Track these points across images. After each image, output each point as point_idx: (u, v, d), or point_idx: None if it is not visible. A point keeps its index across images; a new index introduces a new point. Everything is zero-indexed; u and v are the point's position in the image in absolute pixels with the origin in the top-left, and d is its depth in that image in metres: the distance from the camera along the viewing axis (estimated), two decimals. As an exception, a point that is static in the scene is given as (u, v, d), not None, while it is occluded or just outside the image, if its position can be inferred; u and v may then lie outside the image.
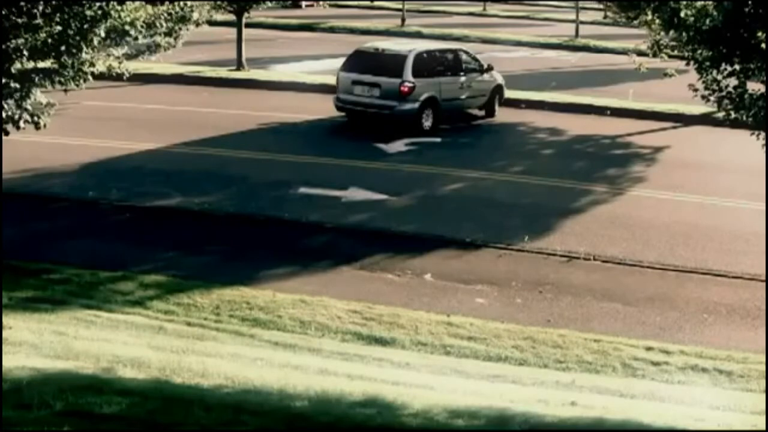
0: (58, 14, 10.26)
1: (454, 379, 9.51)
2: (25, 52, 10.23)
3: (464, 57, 22.45)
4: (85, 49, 10.70)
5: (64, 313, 10.70)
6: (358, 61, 21.07)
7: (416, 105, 20.41)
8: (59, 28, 10.32)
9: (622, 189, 17.38)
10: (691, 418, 8.43)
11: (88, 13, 10.50)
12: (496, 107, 23.04)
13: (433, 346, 10.84)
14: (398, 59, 20.61)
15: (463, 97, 21.91)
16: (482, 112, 22.86)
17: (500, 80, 23.27)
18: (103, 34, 10.73)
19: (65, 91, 11.45)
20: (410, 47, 21.58)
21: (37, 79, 10.75)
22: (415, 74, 20.44)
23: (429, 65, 21.07)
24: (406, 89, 20.32)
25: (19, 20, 9.96)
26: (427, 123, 20.78)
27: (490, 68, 22.78)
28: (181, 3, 12.71)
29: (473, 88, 22.17)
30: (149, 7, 11.51)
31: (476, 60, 22.72)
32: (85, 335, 9.73)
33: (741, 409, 9.10)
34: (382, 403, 7.79)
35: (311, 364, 9.44)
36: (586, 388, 9.50)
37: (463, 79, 21.83)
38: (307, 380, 8.46)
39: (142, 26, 11.28)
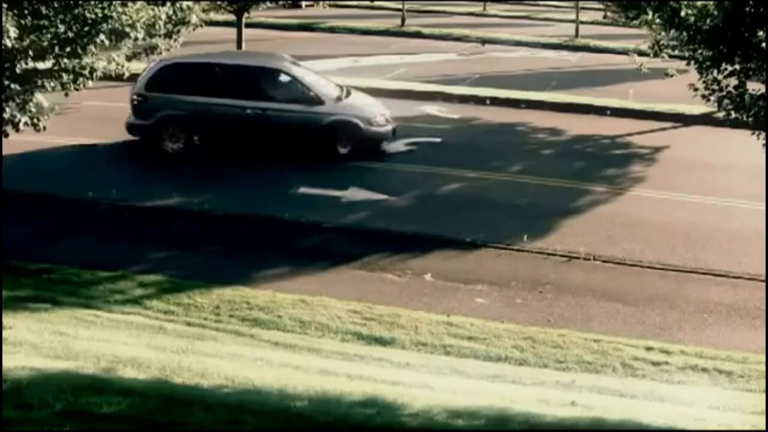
0: (60, 15, 10.27)
1: (454, 379, 9.51)
2: (31, 53, 10.24)
3: (284, 79, 18.39)
4: (88, 50, 10.72)
5: (64, 313, 10.71)
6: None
7: (148, 122, 17.82)
8: (62, 28, 10.33)
9: (622, 189, 17.37)
10: (691, 418, 8.43)
11: (89, 15, 10.52)
12: (341, 150, 18.07)
13: (433, 346, 10.84)
14: (147, 70, 18.06)
15: (247, 125, 17.81)
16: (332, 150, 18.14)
17: (356, 115, 18.16)
18: (104, 37, 10.75)
19: (66, 94, 11.45)
20: (176, 58, 18.27)
21: (38, 81, 10.76)
22: (159, 88, 17.76)
23: (189, 80, 18.01)
24: (133, 102, 17.97)
25: (23, 21, 9.97)
26: (172, 145, 17.88)
27: (319, 100, 18.03)
28: (182, 4, 12.73)
29: (280, 118, 17.78)
30: (150, 9, 11.52)
31: (308, 87, 18.15)
32: (85, 335, 9.73)
33: (741, 409, 9.10)
34: (382, 403, 7.79)
35: (311, 364, 9.44)
36: (586, 388, 9.50)
37: (259, 104, 17.80)
38: (307, 380, 8.46)
39: (142, 27, 11.29)
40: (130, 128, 18.29)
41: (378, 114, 18.58)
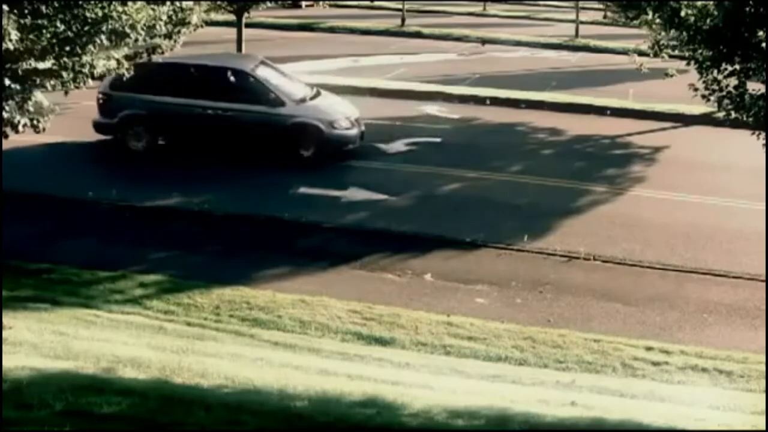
0: (60, 15, 10.27)
1: (454, 379, 9.51)
2: (35, 53, 10.25)
3: (244, 80, 18.15)
4: (88, 50, 10.72)
5: (64, 313, 10.72)
6: None
7: (113, 121, 17.97)
8: (62, 28, 10.34)
9: (622, 189, 17.38)
10: (691, 418, 8.44)
11: (89, 14, 10.52)
12: (303, 153, 17.82)
13: (433, 346, 10.85)
14: None
15: (208, 126, 17.78)
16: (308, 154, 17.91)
17: (317, 118, 17.92)
18: (104, 37, 10.76)
19: (66, 93, 11.46)
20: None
21: (37, 80, 10.76)
22: (123, 87, 17.07)
23: (153, 79, 17.49)
24: (98, 101, 17.99)
25: (23, 21, 9.97)
26: (137, 144, 17.99)
27: (280, 101, 17.86)
28: (182, 4, 12.71)
29: (241, 119, 17.70)
30: (150, 9, 11.51)
31: (268, 89, 18.02)
32: (85, 335, 9.74)
33: (741, 409, 9.11)
34: (382, 403, 7.80)
35: (311, 364, 9.45)
36: (586, 388, 9.50)
37: (219, 104, 17.75)
38: (307, 380, 8.47)
39: (142, 28, 11.29)
40: (96, 126, 18.40)
41: (342, 117, 18.27)
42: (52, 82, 10.88)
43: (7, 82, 9.98)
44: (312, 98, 18.65)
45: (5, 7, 9.48)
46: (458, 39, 36.83)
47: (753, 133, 12.28)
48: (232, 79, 18.20)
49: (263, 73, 18.66)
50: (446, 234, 14.46)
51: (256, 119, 17.75)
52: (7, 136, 10.93)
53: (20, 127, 10.76)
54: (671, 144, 21.20)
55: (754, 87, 11.94)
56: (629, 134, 22.03)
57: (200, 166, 17.49)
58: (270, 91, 18.04)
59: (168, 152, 18.21)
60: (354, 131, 18.37)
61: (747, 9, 10.97)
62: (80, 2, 10.40)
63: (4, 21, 9.39)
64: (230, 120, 17.77)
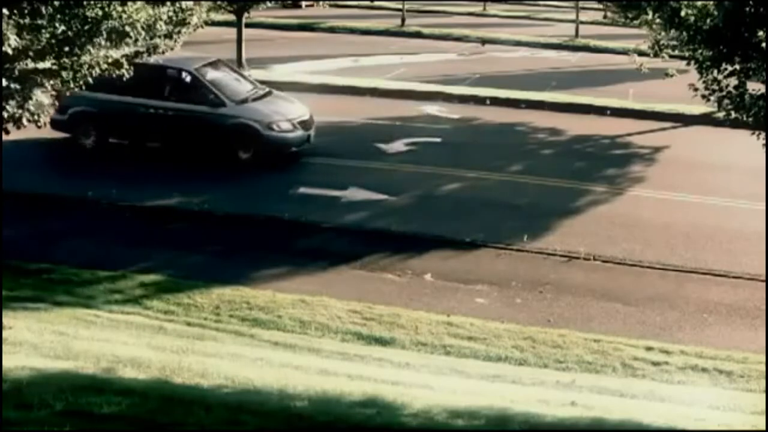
0: (59, 15, 10.27)
1: (454, 379, 9.52)
2: (31, 53, 10.25)
3: (187, 80, 18.11)
4: (87, 49, 10.72)
5: (64, 313, 10.71)
6: None
7: (64, 118, 17.75)
8: (62, 28, 10.34)
9: (622, 189, 17.38)
10: (691, 418, 8.44)
11: (89, 14, 10.52)
12: (242, 155, 17.64)
13: (433, 346, 10.85)
14: None
15: (151, 124, 17.87)
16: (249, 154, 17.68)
17: (254, 119, 17.68)
18: (104, 36, 10.76)
19: (67, 90, 11.47)
20: None
21: (38, 79, 10.76)
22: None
23: (102, 77, 16.48)
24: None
25: (22, 21, 9.97)
26: (87, 141, 18.13)
27: (220, 101, 17.71)
28: (182, 4, 12.71)
29: (182, 118, 17.69)
30: (150, 9, 11.51)
31: (209, 89, 17.87)
32: (85, 335, 9.74)
33: (741, 409, 9.11)
34: (382, 403, 7.80)
35: (311, 364, 9.45)
36: (586, 388, 9.51)
37: (162, 104, 17.81)
38: (307, 380, 8.47)
39: (142, 28, 11.29)
40: (52, 123, 18.09)
41: (282, 119, 17.90)
42: (52, 82, 10.88)
43: (5, 82, 9.97)
44: (256, 99, 18.45)
45: (5, 11, 9.47)
46: (458, 39, 36.83)
47: (753, 133, 12.28)
48: (175, 78, 18.18)
49: (208, 73, 18.49)
50: (446, 234, 14.46)
51: (198, 119, 17.67)
52: (8, 132, 10.94)
53: (24, 122, 10.77)
54: (671, 144, 21.21)
55: (754, 87, 11.94)
56: (629, 134, 22.04)
57: (187, 166, 17.50)
58: (211, 91, 17.89)
59: (118, 150, 18.15)
60: (296, 134, 17.99)
61: (747, 9, 10.97)
62: (80, 2, 10.40)
63: (3, 26, 9.38)
64: (173, 119, 17.75)
